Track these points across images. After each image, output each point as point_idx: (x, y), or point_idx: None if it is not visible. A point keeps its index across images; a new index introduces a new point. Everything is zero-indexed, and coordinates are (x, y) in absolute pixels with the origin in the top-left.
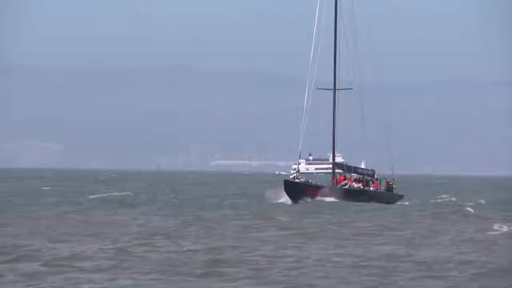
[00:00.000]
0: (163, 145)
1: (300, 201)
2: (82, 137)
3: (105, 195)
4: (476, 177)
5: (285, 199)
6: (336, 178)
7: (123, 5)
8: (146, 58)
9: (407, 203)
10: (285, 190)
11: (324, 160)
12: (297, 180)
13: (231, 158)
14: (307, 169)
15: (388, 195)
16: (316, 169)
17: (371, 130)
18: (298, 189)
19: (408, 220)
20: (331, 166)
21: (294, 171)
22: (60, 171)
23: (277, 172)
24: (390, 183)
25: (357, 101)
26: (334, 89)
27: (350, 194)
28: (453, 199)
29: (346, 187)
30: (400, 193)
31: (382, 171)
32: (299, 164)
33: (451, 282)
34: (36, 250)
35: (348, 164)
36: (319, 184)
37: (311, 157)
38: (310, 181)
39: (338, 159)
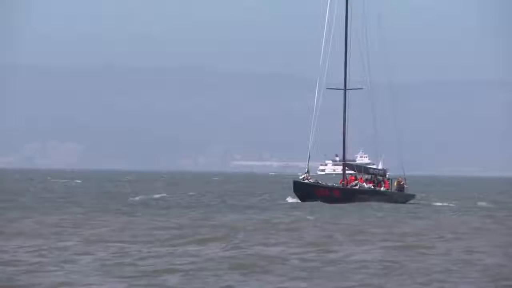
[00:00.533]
0: (181, 146)
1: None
2: (101, 137)
3: (171, 197)
4: (500, 178)
5: (294, 199)
6: (346, 179)
7: (136, 6)
8: (160, 59)
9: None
10: (294, 191)
11: (351, 161)
12: (306, 181)
13: (251, 159)
14: (334, 170)
15: (399, 195)
16: (343, 170)
17: (382, 130)
18: (307, 190)
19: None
20: None
21: (304, 173)
22: (84, 172)
23: (301, 173)
24: (402, 183)
25: (368, 101)
26: (345, 89)
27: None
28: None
29: (357, 187)
30: (411, 193)
31: (395, 171)
32: (325, 164)
33: None
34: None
35: (359, 164)
36: (330, 184)
37: (337, 158)
38: (319, 182)
39: (364, 160)
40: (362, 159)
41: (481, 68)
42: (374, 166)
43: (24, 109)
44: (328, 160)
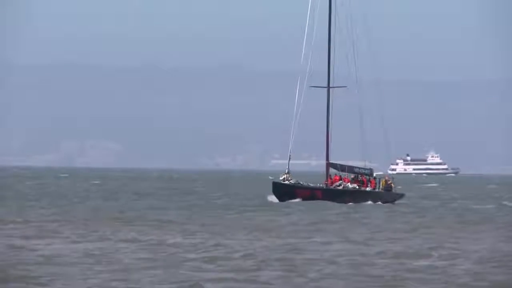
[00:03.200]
0: (219, 145)
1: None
2: (139, 137)
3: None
4: None
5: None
6: (330, 178)
7: (176, 6)
8: (198, 58)
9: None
10: (273, 192)
11: (422, 161)
12: (287, 182)
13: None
14: (405, 170)
15: (386, 195)
16: (414, 169)
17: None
18: (286, 191)
19: None
20: (430, 166)
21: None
22: (126, 170)
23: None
24: (389, 182)
25: (355, 99)
26: (328, 87)
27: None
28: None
29: (341, 187)
30: (400, 192)
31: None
32: (396, 164)
33: None
34: None
35: (343, 164)
36: (311, 185)
37: (408, 158)
38: (301, 182)
39: (436, 160)
40: (433, 159)
41: None
42: (445, 167)
43: (63, 108)
44: (399, 159)
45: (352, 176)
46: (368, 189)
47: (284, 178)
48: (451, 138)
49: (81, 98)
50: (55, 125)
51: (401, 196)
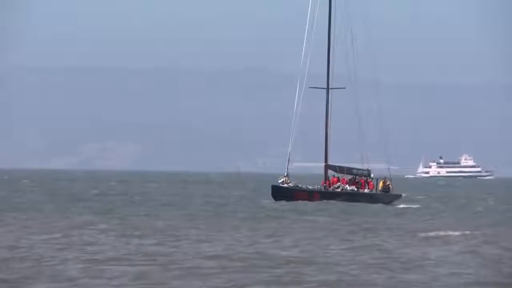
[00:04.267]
0: (240, 148)
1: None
2: (160, 139)
3: None
4: None
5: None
6: (329, 180)
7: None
8: (222, 60)
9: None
10: (272, 195)
11: (455, 164)
12: (286, 185)
13: (311, 161)
14: (438, 173)
15: (384, 196)
16: (448, 172)
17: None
18: (286, 194)
19: None
20: (463, 169)
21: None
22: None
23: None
24: (387, 183)
25: (353, 100)
26: (328, 88)
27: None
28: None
29: (339, 189)
30: (397, 193)
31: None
32: (429, 167)
33: None
34: None
35: (341, 165)
36: (310, 188)
37: (441, 160)
38: (299, 185)
39: (469, 162)
40: (466, 161)
41: None
42: (479, 169)
43: (84, 110)
44: (433, 162)
45: (350, 177)
46: (366, 190)
47: (283, 181)
48: (483, 139)
49: (102, 100)
50: (75, 128)
51: (398, 197)
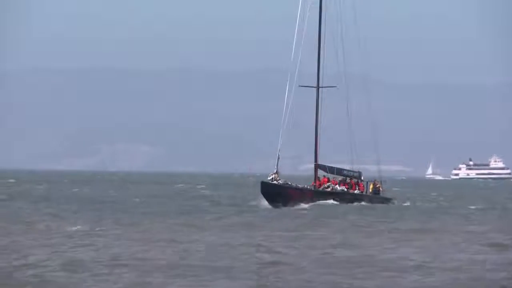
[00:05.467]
0: (252, 149)
1: (278, 205)
2: (175, 140)
3: None
4: None
5: (263, 202)
6: (319, 180)
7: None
8: (234, 61)
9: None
10: (261, 192)
11: (485, 165)
12: (275, 182)
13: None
14: (468, 175)
15: (374, 198)
16: (477, 174)
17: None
18: (276, 191)
19: None
20: (492, 171)
21: (272, 174)
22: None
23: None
24: (377, 185)
25: (343, 99)
26: (318, 87)
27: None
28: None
29: (329, 189)
30: (388, 196)
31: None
32: (459, 168)
33: None
34: None
35: (332, 166)
36: (300, 186)
37: (471, 162)
38: (289, 183)
39: (499, 164)
40: (496, 163)
41: None
42: (508, 171)
43: (100, 111)
44: (462, 164)
45: (340, 178)
46: (356, 191)
47: (272, 178)
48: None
49: (117, 101)
50: (88, 128)
51: (388, 200)
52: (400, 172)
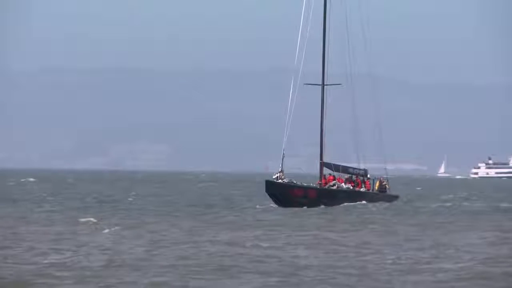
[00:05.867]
0: (268, 148)
1: (286, 204)
2: (189, 139)
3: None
4: None
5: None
6: (325, 178)
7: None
8: (247, 60)
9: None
10: (266, 191)
11: (504, 164)
12: (280, 181)
13: (339, 161)
14: (487, 173)
15: (381, 196)
16: (497, 173)
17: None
18: (281, 190)
19: None
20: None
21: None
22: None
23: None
24: (384, 183)
25: (349, 97)
26: (323, 84)
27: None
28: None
29: (335, 187)
30: (395, 193)
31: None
32: (478, 167)
33: None
34: None
35: (337, 164)
36: (305, 184)
37: (490, 161)
38: (294, 181)
39: None
40: None
41: None
42: None
43: (113, 110)
44: (481, 163)
45: (346, 176)
46: (362, 189)
47: (277, 176)
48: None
49: (131, 100)
50: (102, 128)
51: (395, 198)
52: (415, 171)
